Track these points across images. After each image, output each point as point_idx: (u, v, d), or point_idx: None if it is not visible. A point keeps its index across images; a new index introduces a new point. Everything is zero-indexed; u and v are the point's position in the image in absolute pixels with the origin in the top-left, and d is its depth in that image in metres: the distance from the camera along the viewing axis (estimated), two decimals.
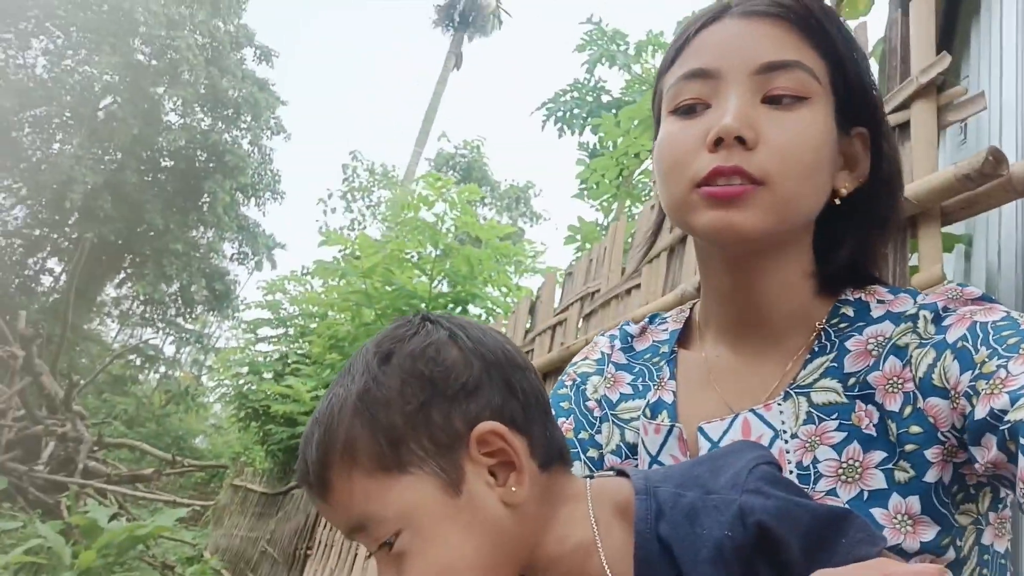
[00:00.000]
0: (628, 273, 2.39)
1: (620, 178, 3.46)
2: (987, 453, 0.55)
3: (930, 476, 0.61)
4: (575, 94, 8.05)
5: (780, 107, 0.65)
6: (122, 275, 21.78)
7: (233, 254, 22.34)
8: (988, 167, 1.26)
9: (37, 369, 6.13)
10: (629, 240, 2.48)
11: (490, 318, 5.11)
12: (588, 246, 3.53)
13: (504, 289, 5.03)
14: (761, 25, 0.68)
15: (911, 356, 0.64)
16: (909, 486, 0.61)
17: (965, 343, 0.60)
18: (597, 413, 0.82)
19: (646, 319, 0.89)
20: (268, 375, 8.89)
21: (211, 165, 20.45)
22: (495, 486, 0.57)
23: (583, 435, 0.81)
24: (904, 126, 1.58)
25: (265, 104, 21.16)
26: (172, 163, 20.91)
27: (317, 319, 7.69)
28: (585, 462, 0.79)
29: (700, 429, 0.70)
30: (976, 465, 0.57)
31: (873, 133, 0.72)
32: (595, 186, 3.63)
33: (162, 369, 22.05)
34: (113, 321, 23.21)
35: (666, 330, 0.85)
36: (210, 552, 9.98)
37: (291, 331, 8.88)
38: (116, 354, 10.25)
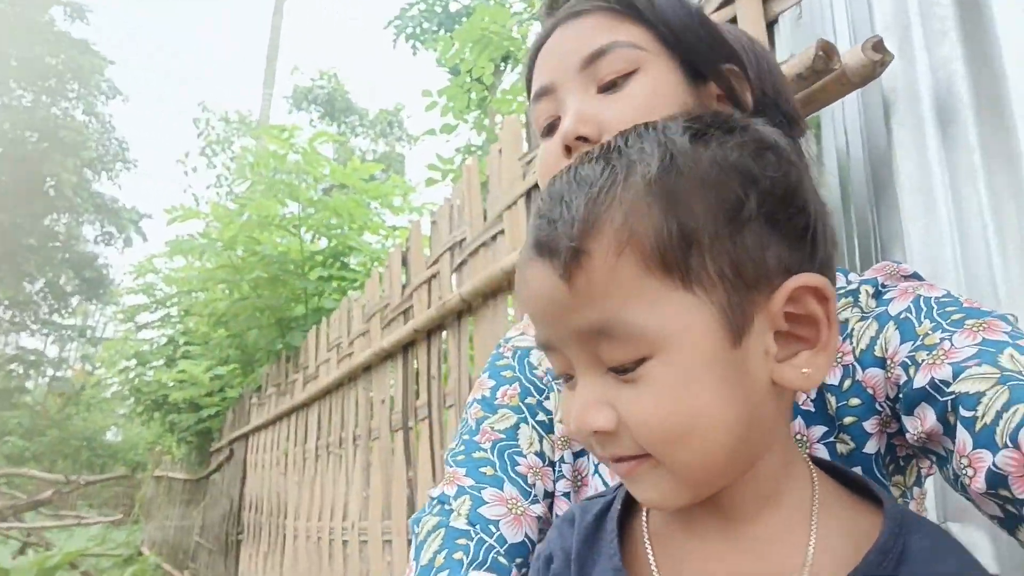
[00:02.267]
0: (490, 220, 2.25)
1: (470, 107, 3.24)
2: (921, 423, 0.54)
3: (869, 447, 0.60)
4: (422, 6, 7.61)
5: (614, 90, 0.66)
6: None
7: (97, 236, 20.62)
8: (819, 63, 1.17)
9: None
10: (486, 178, 2.32)
11: (376, 266, 4.88)
12: (452, 181, 3.35)
13: (382, 233, 4.78)
14: (576, 26, 0.69)
15: (852, 330, 0.63)
16: (851, 458, 0.61)
17: (908, 315, 0.59)
18: (545, 381, 0.79)
19: None
20: (159, 362, 8.43)
21: (45, 145, 18.48)
22: (771, 357, 0.45)
23: (530, 400, 0.77)
24: (731, 23, 1.46)
25: (90, 67, 19.06)
26: (1, 150, 18.76)
27: (197, 295, 7.25)
28: (534, 425, 0.75)
29: None
30: (908, 435, 0.56)
31: (737, 62, 0.72)
32: (448, 115, 3.40)
33: (50, 372, 20.58)
34: None
35: None
36: (147, 548, 9.67)
37: (173, 312, 8.36)
38: None
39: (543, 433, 0.75)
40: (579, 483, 0.72)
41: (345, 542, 3.26)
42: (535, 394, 0.77)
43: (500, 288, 2.19)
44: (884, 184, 1.24)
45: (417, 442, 2.68)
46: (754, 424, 0.45)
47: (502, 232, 2.19)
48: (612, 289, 0.43)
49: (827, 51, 1.15)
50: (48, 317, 20.81)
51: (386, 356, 3.05)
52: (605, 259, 0.43)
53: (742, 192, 0.44)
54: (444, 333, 2.58)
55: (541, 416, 0.76)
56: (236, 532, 5.44)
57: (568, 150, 0.66)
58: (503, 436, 0.74)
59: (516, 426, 0.74)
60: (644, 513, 0.54)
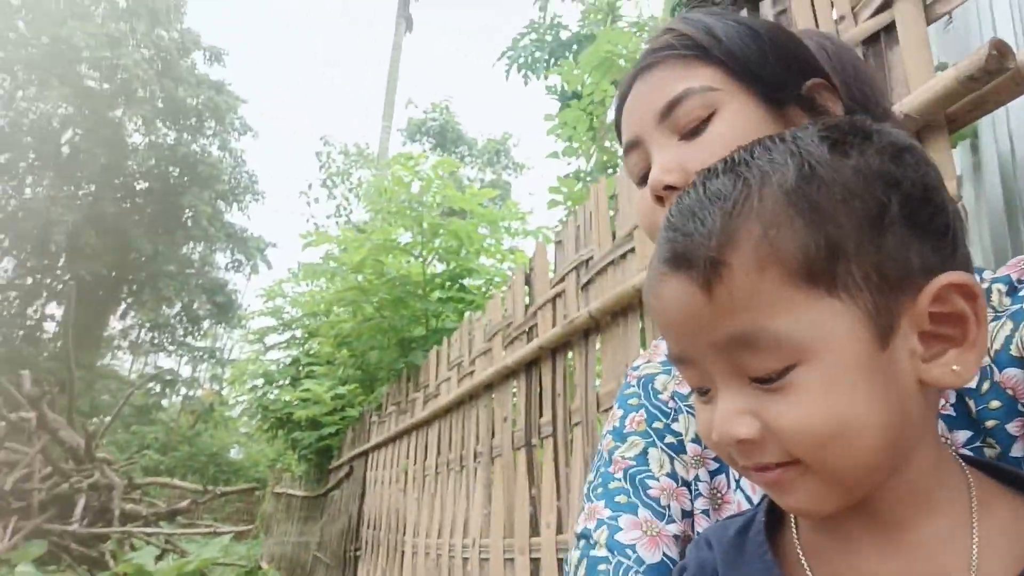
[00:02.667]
0: (619, 238, 2.26)
1: (592, 130, 3.28)
2: None
3: (1016, 450, 0.57)
4: (533, 36, 7.79)
5: (696, 136, 0.67)
6: (123, 306, 21.69)
7: (227, 263, 22.17)
8: (993, 63, 1.12)
9: (52, 425, 6.08)
10: (613, 198, 2.34)
11: (492, 289, 4.99)
12: (570, 204, 3.38)
13: (499, 257, 4.89)
14: (651, 78, 0.71)
15: None
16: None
17: None
18: (671, 404, 0.80)
19: None
20: (284, 382, 8.89)
21: (185, 179, 20.15)
22: (917, 358, 0.45)
23: (657, 424, 0.79)
24: (888, 29, 1.42)
25: (226, 106, 20.71)
26: (146, 184, 20.63)
27: (321, 317, 7.62)
28: (663, 448, 0.76)
29: None
30: None
31: (819, 74, 0.70)
32: (568, 140, 3.45)
33: (183, 391, 22.13)
34: (125, 353, 23.25)
35: None
36: (265, 562, 10.14)
37: (298, 333, 8.83)
38: (130, 391, 10.23)
39: (673, 454, 0.76)
40: (718, 500, 0.71)
41: (466, 559, 3.30)
42: (662, 418, 0.78)
43: (631, 306, 2.19)
44: None
45: (541, 460, 2.70)
46: (903, 424, 0.45)
47: (632, 250, 2.19)
48: (755, 300, 0.43)
49: (1001, 50, 1.11)
50: (183, 339, 22.48)
51: (508, 374, 3.10)
52: (746, 272, 0.43)
53: (885, 197, 0.44)
54: (570, 351, 2.60)
55: (670, 439, 0.76)
56: (354, 548, 5.62)
57: (660, 200, 0.68)
58: (633, 463, 0.76)
59: (644, 451, 0.76)
60: (793, 527, 0.53)
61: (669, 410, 0.79)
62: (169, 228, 20.25)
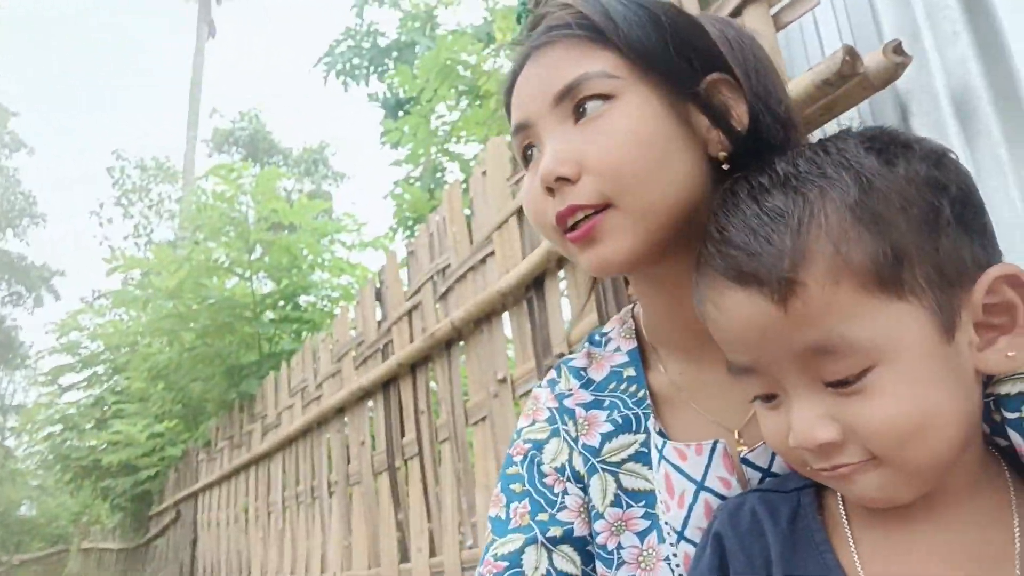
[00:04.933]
0: (477, 243, 2.22)
1: (431, 136, 3.20)
2: None
3: None
4: (350, 42, 7.59)
5: (589, 121, 0.63)
6: None
7: (4, 296, 19.34)
8: (846, 68, 1.20)
9: None
10: (468, 205, 2.29)
11: (329, 305, 4.73)
12: (410, 213, 3.29)
13: (335, 271, 4.64)
14: (545, 57, 0.66)
15: None
16: None
17: None
18: (558, 488, 0.72)
19: (584, 342, 0.81)
20: (88, 425, 7.93)
21: None
22: (974, 347, 0.48)
23: (541, 516, 0.71)
24: None
25: None
26: None
27: (127, 349, 6.87)
28: (543, 542, 0.69)
29: (744, 459, 0.64)
30: None
31: (723, 69, 0.66)
32: (402, 147, 3.34)
33: None
34: None
35: (619, 350, 0.77)
36: None
37: (100, 370, 7.90)
38: None
39: (552, 550, 0.69)
40: (651, 561, 0.65)
41: None
42: (547, 508, 0.71)
43: (494, 311, 2.15)
44: None
45: (407, 482, 2.58)
46: (973, 412, 0.48)
47: (491, 254, 2.16)
48: (831, 311, 0.46)
49: (852, 55, 1.19)
50: None
51: (363, 396, 2.95)
52: (822, 287, 0.46)
53: (936, 202, 0.48)
54: (431, 365, 2.51)
55: (554, 531, 0.70)
56: None
57: (551, 191, 0.63)
58: (506, 564, 0.69)
59: (521, 550, 0.69)
60: (841, 509, 0.54)
61: (555, 496, 0.71)
62: None
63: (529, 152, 0.68)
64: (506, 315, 2.13)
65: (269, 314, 4.69)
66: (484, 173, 2.21)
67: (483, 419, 2.19)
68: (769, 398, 0.52)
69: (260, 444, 3.98)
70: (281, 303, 4.61)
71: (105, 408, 7.65)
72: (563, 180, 0.62)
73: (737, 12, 1.47)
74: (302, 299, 4.81)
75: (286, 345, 4.41)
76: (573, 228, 0.62)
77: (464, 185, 3.18)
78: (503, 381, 2.10)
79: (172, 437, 6.15)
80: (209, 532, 4.87)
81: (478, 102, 3.37)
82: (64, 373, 8.08)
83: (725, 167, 0.63)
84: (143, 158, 18.25)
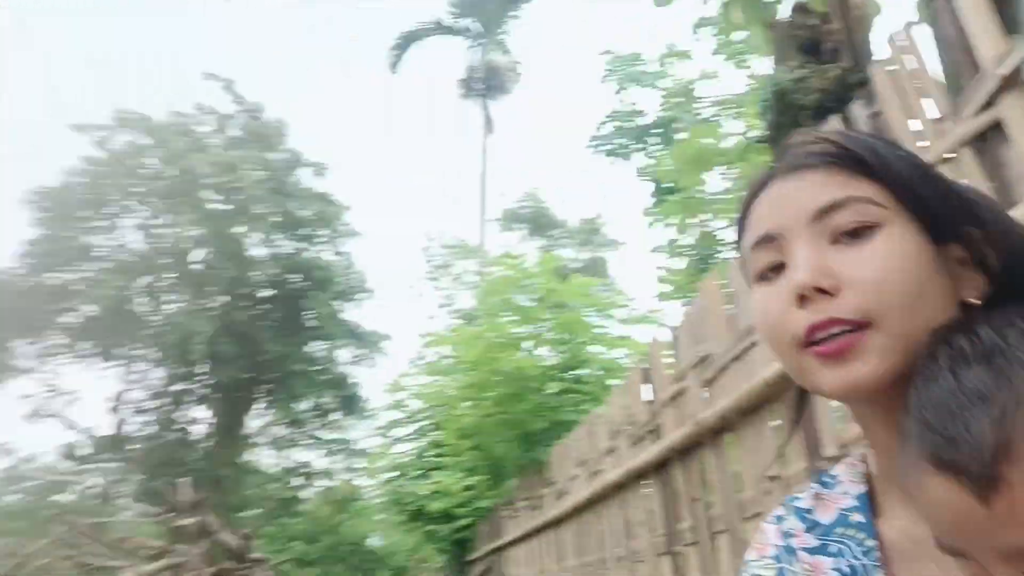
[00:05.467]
0: (740, 332, 2.22)
1: (687, 221, 3.28)
2: None
3: None
4: (616, 123, 8.06)
5: (851, 242, 0.63)
6: (262, 405, 23.01)
7: (350, 359, 23.19)
8: None
9: (211, 528, 6.51)
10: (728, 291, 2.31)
11: (606, 375, 4.95)
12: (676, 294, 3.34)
13: (609, 345, 4.87)
14: (805, 177, 0.67)
15: None
16: None
17: None
18: None
19: (811, 484, 0.79)
20: (415, 473, 9.09)
21: (306, 283, 21.46)
22: None
23: None
24: (994, 128, 1.37)
25: (333, 214, 22.10)
26: (270, 292, 22.09)
27: (444, 407, 7.80)
28: None
29: None
30: None
31: (971, 237, 0.66)
32: (669, 227, 3.46)
33: (321, 482, 22.97)
34: (266, 448, 24.48)
35: (846, 493, 0.75)
36: None
37: (423, 424, 9.05)
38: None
39: None
40: None
41: None
42: None
43: (761, 403, 2.12)
44: None
45: (686, 569, 2.60)
46: None
47: (754, 344, 2.14)
48: None
49: None
50: (315, 432, 23.49)
51: (638, 475, 3.04)
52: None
53: None
54: (701, 452, 2.54)
55: None
56: None
57: (801, 299, 0.62)
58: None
59: None
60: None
61: None
62: (293, 330, 21.49)
63: (770, 269, 0.67)
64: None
65: (554, 385, 5.05)
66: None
67: (757, 515, 2.16)
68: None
69: (552, 509, 4.27)
70: (562, 374, 4.94)
71: (426, 459, 8.73)
72: (821, 292, 0.61)
73: (991, 103, 1.36)
74: (582, 371, 5.10)
75: (569, 415, 4.71)
76: (818, 343, 0.61)
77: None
78: (774, 479, 2.06)
79: (481, 491, 6.79)
80: None
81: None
82: (394, 427, 9.45)
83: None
84: (448, 238, 20.93)
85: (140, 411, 22.10)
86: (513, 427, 5.16)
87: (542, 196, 20.52)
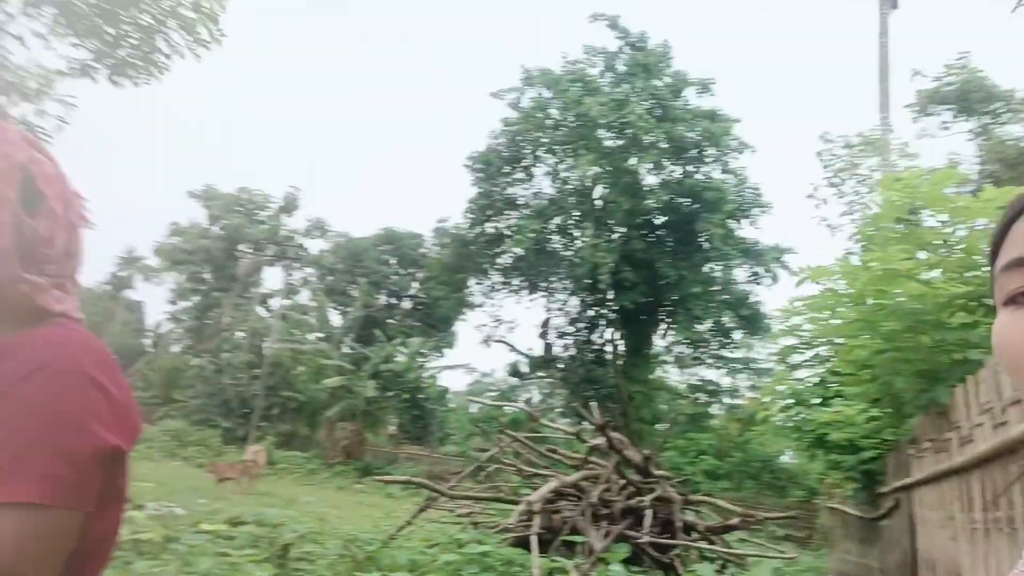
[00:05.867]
0: None
1: None
2: None
3: None
4: None
5: None
6: (663, 326, 24.41)
7: (747, 277, 22.95)
8: None
9: (619, 446, 7.42)
10: None
11: None
12: None
13: None
14: None
15: None
16: None
17: None
18: None
19: None
20: (815, 401, 8.85)
21: (696, 206, 21.75)
22: None
23: None
24: None
25: (720, 131, 21.73)
26: (664, 218, 22.96)
27: (839, 341, 7.43)
28: None
29: None
30: None
31: None
32: None
33: (726, 400, 23.58)
34: (672, 367, 25.97)
35: None
36: None
37: (822, 351, 8.72)
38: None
39: None
40: None
41: None
42: None
43: None
44: None
45: None
46: None
47: None
48: None
49: None
50: (718, 351, 24.03)
51: None
52: None
53: None
54: None
55: None
56: None
57: None
58: None
59: None
60: None
61: None
62: (689, 253, 22.08)
63: (1015, 294, 0.66)
64: None
65: (961, 316, 4.48)
66: None
67: None
68: None
69: (957, 456, 3.91)
70: (972, 304, 4.34)
71: (826, 388, 8.42)
72: None
73: None
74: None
75: (980, 352, 4.14)
76: None
77: None
78: None
79: (884, 424, 6.40)
80: (924, 529, 4.97)
81: None
82: (791, 353, 9.25)
83: None
84: (848, 136, 18.74)
85: (562, 335, 25.48)
86: (911, 363, 4.77)
87: (971, 64, 16.67)
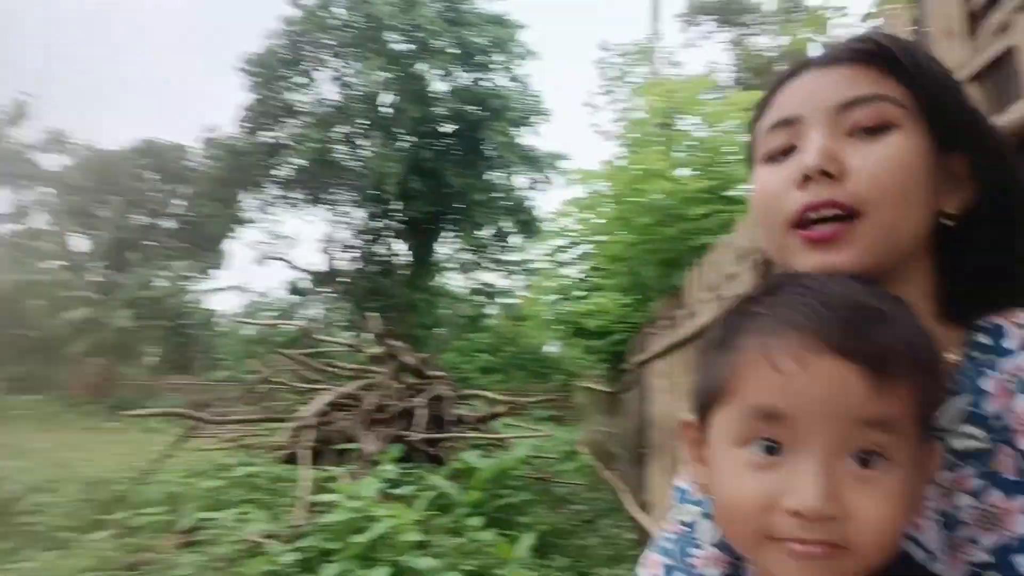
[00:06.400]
0: None
1: None
2: None
3: None
4: None
5: (865, 138, 0.66)
6: (449, 235, 24.85)
7: (527, 184, 23.93)
8: None
9: (397, 352, 7.58)
10: None
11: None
12: None
13: None
14: (838, 70, 0.69)
15: None
16: None
17: None
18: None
19: None
20: (578, 294, 9.65)
21: (483, 115, 21.96)
22: None
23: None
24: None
25: (508, 36, 21.89)
26: (452, 127, 22.94)
27: (599, 236, 8.11)
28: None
29: None
30: None
31: (975, 153, 0.70)
32: None
33: (503, 300, 24.87)
34: (456, 273, 26.71)
35: None
36: (582, 447, 11.39)
37: (584, 250, 9.46)
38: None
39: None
40: None
41: None
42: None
43: None
44: None
45: None
46: None
47: None
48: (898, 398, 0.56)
49: None
50: (497, 256, 25.09)
51: None
52: (903, 381, 0.56)
53: None
54: None
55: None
56: (643, 447, 6.15)
57: (805, 181, 0.66)
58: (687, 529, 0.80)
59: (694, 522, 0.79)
60: None
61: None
62: (474, 162, 22.43)
63: (781, 151, 0.70)
64: None
65: (701, 209, 5.10)
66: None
67: None
68: (773, 450, 0.55)
69: (683, 330, 4.53)
70: (710, 196, 4.96)
71: (589, 281, 9.19)
72: (825, 175, 0.65)
73: (1003, 26, 1.29)
74: (734, 192, 5.07)
75: (714, 238, 4.79)
76: (807, 227, 0.66)
77: None
78: None
79: (633, 310, 7.18)
80: (654, 396, 5.75)
81: None
82: (559, 252, 9.94)
83: (950, 223, 0.69)
84: (625, 45, 19.88)
85: (347, 248, 24.92)
86: (657, 253, 5.36)
87: None
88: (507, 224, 23.54)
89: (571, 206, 6.79)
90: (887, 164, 0.65)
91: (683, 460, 0.70)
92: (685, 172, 5.27)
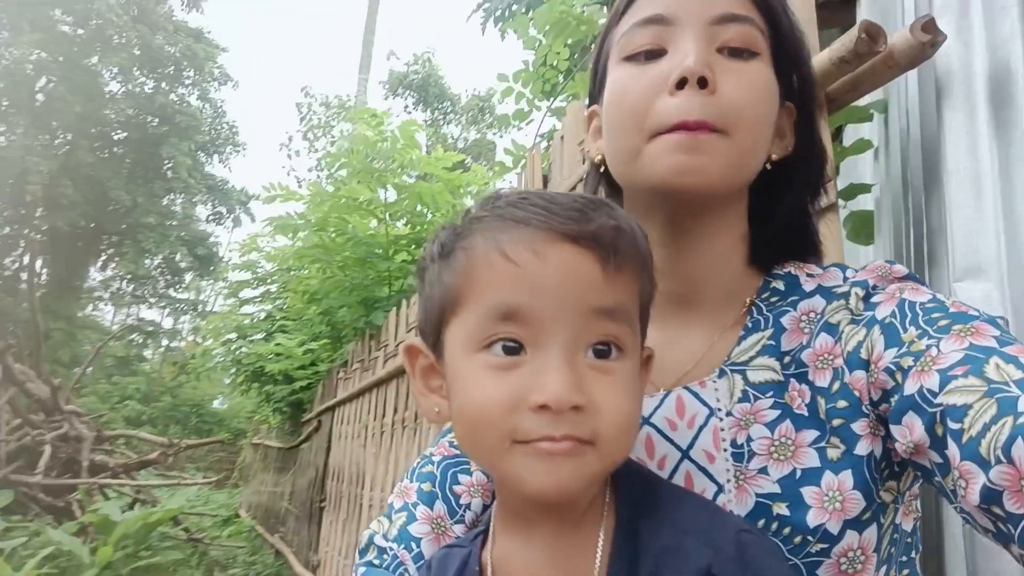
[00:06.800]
0: None
1: (546, 93, 3.25)
2: (909, 433, 0.54)
3: (860, 449, 0.60)
4: None
5: (732, 59, 0.66)
6: (103, 257, 21.54)
7: (209, 215, 21.97)
8: (862, 46, 1.14)
9: (19, 378, 6.10)
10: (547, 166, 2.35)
11: None
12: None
13: None
14: None
15: (842, 332, 0.64)
16: (841, 462, 0.61)
17: (893, 319, 0.60)
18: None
19: None
20: (259, 336, 8.93)
21: (165, 129, 19.81)
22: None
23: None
24: None
25: (205, 55, 20.25)
26: (125, 134, 20.27)
27: (293, 272, 7.63)
28: None
29: None
30: (897, 445, 0.57)
31: (804, 107, 0.74)
32: (520, 103, 3.43)
33: (165, 342, 22.17)
34: (107, 304, 23.19)
35: None
36: (244, 511, 10.34)
37: (272, 288, 8.84)
38: (103, 342, 10.23)
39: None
40: None
41: None
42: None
43: None
44: (933, 171, 1.19)
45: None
46: None
47: None
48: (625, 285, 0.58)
49: (871, 33, 1.12)
50: (164, 291, 22.41)
51: None
52: (629, 269, 0.58)
53: None
54: None
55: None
56: (319, 500, 5.74)
57: (680, 86, 0.63)
58: (457, 452, 0.77)
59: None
60: (490, 547, 0.61)
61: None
62: (148, 179, 19.98)
63: (645, 52, 0.67)
64: None
65: (403, 256, 5.04)
66: (562, 139, 2.26)
67: None
68: (514, 351, 0.53)
69: (381, 370, 4.36)
70: (413, 246, 4.94)
71: (273, 323, 8.58)
72: (702, 85, 0.63)
73: None
74: None
75: (413, 286, 4.75)
76: (674, 133, 0.63)
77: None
78: None
79: (321, 355, 6.81)
80: (339, 443, 5.44)
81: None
82: (243, 288, 9.16)
83: (767, 167, 0.71)
84: (327, 96, 19.75)
85: None
86: (357, 292, 5.14)
87: (436, 63, 19.45)
88: (181, 256, 21.25)
89: (266, 227, 6.23)
90: (754, 89, 0.65)
91: (416, 393, 0.65)
92: (389, 215, 5.20)
